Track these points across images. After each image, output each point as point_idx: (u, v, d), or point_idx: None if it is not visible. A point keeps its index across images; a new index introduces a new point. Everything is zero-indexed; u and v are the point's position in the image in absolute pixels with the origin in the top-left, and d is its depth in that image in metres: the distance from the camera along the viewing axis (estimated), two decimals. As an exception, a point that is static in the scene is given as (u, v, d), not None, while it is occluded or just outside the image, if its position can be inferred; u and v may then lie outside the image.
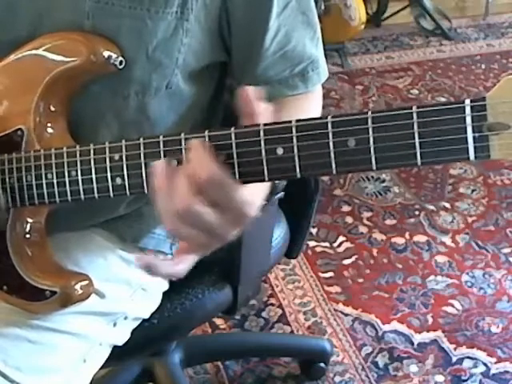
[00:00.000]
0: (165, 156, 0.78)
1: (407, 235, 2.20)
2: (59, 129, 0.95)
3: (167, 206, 0.76)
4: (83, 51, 0.91)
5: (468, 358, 1.80)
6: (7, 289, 0.96)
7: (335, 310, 1.94)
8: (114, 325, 1.10)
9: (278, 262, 1.49)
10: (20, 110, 0.94)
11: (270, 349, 1.83)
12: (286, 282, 2.03)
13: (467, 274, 2.05)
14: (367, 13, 3.21)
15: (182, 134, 0.77)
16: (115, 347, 1.12)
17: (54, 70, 0.93)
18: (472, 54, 3.24)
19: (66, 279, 0.95)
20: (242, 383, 1.75)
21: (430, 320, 1.90)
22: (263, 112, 0.75)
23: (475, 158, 0.67)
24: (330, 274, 2.06)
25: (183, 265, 0.83)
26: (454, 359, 1.80)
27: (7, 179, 0.92)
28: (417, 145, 0.68)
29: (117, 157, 0.82)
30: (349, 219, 2.27)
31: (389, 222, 2.26)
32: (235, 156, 0.75)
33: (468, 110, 0.66)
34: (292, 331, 1.88)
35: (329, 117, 0.71)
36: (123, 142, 0.81)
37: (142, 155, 0.80)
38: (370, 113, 0.70)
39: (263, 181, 0.75)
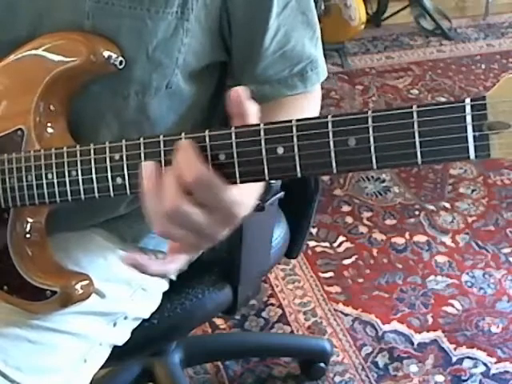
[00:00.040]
0: (165, 156, 0.78)
1: (407, 235, 2.20)
2: (59, 129, 0.95)
3: (156, 208, 0.76)
4: (83, 51, 0.91)
5: (468, 357, 1.80)
6: (7, 289, 0.96)
7: (335, 309, 1.94)
8: (114, 325, 1.10)
9: (278, 262, 1.49)
10: (20, 110, 0.94)
11: (270, 349, 1.83)
12: (286, 281, 2.03)
13: (467, 274, 2.05)
14: (367, 13, 3.21)
15: (183, 134, 0.77)
16: (115, 347, 1.12)
17: (54, 69, 0.93)
18: (472, 54, 3.24)
19: (66, 279, 0.95)
20: (241, 383, 1.75)
21: (430, 320, 1.90)
22: (253, 112, 0.76)
23: (475, 157, 0.67)
24: (330, 274, 2.06)
25: (174, 264, 0.83)
26: (454, 359, 1.80)
27: (7, 179, 0.92)
28: (417, 144, 0.68)
29: (117, 156, 0.82)
30: (349, 219, 2.27)
31: (389, 221, 2.26)
32: (235, 155, 0.75)
33: (468, 108, 0.66)
34: (292, 331, 1.88)
35: (329, 116, 0.71)
36: (123, 141, 0.81)
37: (142, 155, 0.80)
38: (370, 112, 0.70)
39: (263, 180, 0.75)
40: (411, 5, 3.43)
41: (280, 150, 0.73)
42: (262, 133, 0.74)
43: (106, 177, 0.83)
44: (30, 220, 0.96)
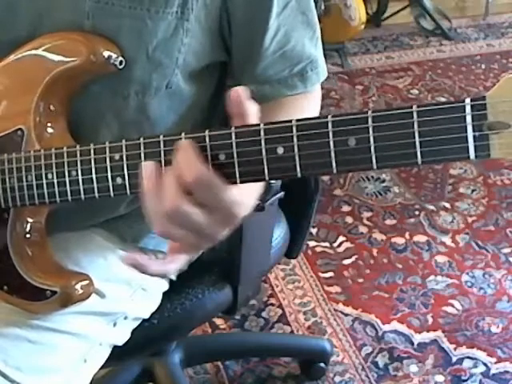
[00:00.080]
0: (165, 156, 0.78)
1: (407, 235, 2.20)
2: (59, 129, 0.95)
3: (156, 208, 0.76)
4: (83, 51, 0.91)
5: (468, 357, 1.80)
6: (7, 289, 0.96)
7: (335, 309, 1.94)
8: (114, 325, 1.10)
9: (278, 262, 1.49)
10: (20, 110, 0.94)
11: (270, 349, 1.83)
12: (286, 281, 2.03)
13: (467, 274, 2.05)
14: (367, 13, 3.21)
15: (183, 134, 0.77)
16: (115, 347, 1.12)
17: (54, 69, 0.93)
18: (472, 54, 3.24)
19: (66, 279, 0.95)
20: (241, 383, 1.75)
21: (430, 320, 1.90)
22: (253, 112, 0.76)
23: (475, 157, 0.67)
24: (330, 274, 2.06)
25: (173, 264, 0.83)
26: (454, 359, 1.80)
27: (7, 179, 0.92)
28: (417, 144, 0.68)
29: (117, 156, 0.82)
30: (349, 219, 2.27)
31: (389, 221, 2.26)
32: (235, 155, 0.75)
33: (468, 108, 0.66)
34: (292, 331, 1.88)
35: (329, 116, 0.71)
36: (123, 141, 0.81)
37: (142, 155, 0.80)
38: (370, 112, 0.70)
39: (264, 180, 0.75)
40: (411, 5, 3.43)
41: (280, 150, 0.73)
42: (262, 133, 0.74)
43: (106, 177, 0.83)
44: (30, 220, 0.96)
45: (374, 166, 0.70)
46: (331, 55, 3.10)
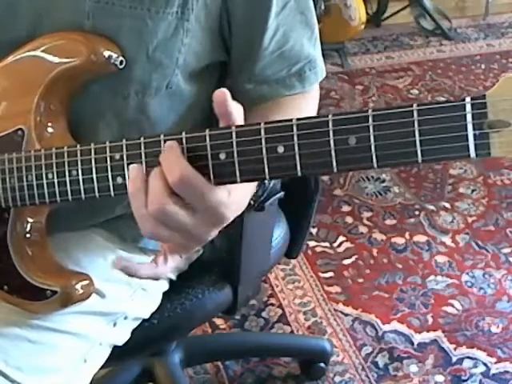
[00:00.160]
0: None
1: (407, 235, 2.20)
2: (60, 128, 0.95)
3: (142, 209, 0.78)
4: (83, 51, 0.91)
5: (468, 357, 1.80)
6: (8, 288, 0.96)
7: (335, 309, 1.94)
8: (114, 325, 1.10)
9: (278, 262, 1.50)
10: (20, 110, 0.94)
11: (270, 349, 1.83)
12: (286, 281, 2.03)
13: (467, 274, 2.05)
14: (367, 13, 3.21)
15: (183, 134, 0.78)
16: (115, 347, 1.12)
17: (55, 70, 0.93)
18: (472, 54, 3.24)
19: (66, 279, 0.95)
20: (241, 383, 1.75)
21: (430, 320, 1.90)
22: (238, 113, 0.76)
23: (476, 155, 0.67)
24: (330, 274, 2.06)
25: (164, 267, 0.83)
26: (454, 359, 1.80)
27: (8, 179, 0.92)
28: (417, 142, 0.68)
29: (117, 156, 0.82)
30: (349, 219, 2.27)
31: (389, 221, 2.26)
32: (236, 155, 0.75)
33: (468, 107, 0.66)
34: (292, 331, 1.88)
35: (329, 115, 0.71)
36: (124, 141, 0.82)
37: (142, 155, 0.80)
38: (370, 111, 0.70)
39: (264, 179, 0.76)
40: (411, 5, 3.43)
41: (280, 149, 0.73)
42: (262, 132, 0.74)
43: (107, 176, 0.83)
44: (30, 220, 0.96)
45: (375, 165, 0.70)
46: (331, 55, 3.10)
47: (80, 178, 0.85)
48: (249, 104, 1.00)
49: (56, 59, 0.93)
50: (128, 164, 0.81)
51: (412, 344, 1.83)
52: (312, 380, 1.75)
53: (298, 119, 0.73)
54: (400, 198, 2.36)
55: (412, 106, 0.68)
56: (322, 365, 1.74)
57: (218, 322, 1.89)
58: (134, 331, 1.15)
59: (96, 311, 1.06)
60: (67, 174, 0.86)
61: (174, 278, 1.20)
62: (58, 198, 0.88)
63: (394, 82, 3.02)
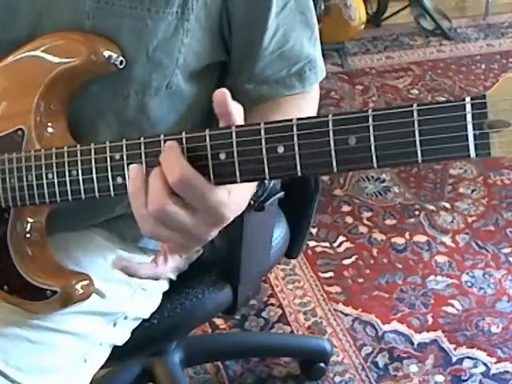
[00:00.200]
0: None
1: (407, 235, 2.20)
2: (60, 128, 0.95)
3: (142, 209, 0.78)
4: (83, 51, 0.91)
5: (468, 357, 1.80)
6: (8, 288, 0.96)
7: (335, 309, 1.94)
8: (114, 325, 1.10)
9: (278, 262, 1.50)
10: (20, 110, 0.94)
11: (270, 349, 1.83)
12: (286, 281, 2.03)
13: (467, 274, 2.05)
14: (367, 13, 3.21)
15: (183, 134, 0.78)
16: (115, 347, 1.12)
17: (55, 70, 0.93)
18: (472, 54, 3.24)
19: (66, 279, 0.95)
20: (241, 383, 1.75)
21: (430, 320, 1.90)
22: (238, 113, 0.76)
23: (476, 155, 0.67)
24: (330, 274, 2.06)
25: (164, 267, 0.84)
26: (454, 359, 1.80)
27: (8, 179, 0.92)
28: (417, 142, 0.68)
29: (117, 156, 0.82)
30: (349, 219, 2.27)
31: (389, 221, 2.26)
32: (236, 155, 0.75)
33: (468, 107, 0.66)
34: (292, 331, 1.88)
35: (329, 115, 0.71)
36: (124, 141, 0.82)
37: (142, 155, 0.80)
38: (370, 111, 0.70)
39: (264, 179, 0.76)
40: (411, 5, 3.43)
41: (280, 149, 0.73)
42: (262, 132, 0.74)
43: (107, 176, 0.83)
44: (30, 220, 0.96)
45: (375, 165, 0.70)
46: (331, 55, 3.10)
47: (80, 178, 0.85)
48: (249, 104, 1.00)
49: (56, 59, 0.93)
50: (128, 164, 0.81)
51: (412, 344, 1.83)
52: (312, 380, 1.75)
53: (298, 119, 0.73)
54: (400, 198, 2.36)
55: (412, 106, 0.68)
56: (322, 365, 1.74)
57: (218, 322, 1.89)
58: (134, 331, 1.15)
59: (96, 311, 1.05)
60: (67, 174, 0.86)
61: (174, 277, 1.20)
62: (58, 198, 0.88)
63: (394, 82, 3.02)
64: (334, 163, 0.72)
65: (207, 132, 0.77)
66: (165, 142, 0.78)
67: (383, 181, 2.43)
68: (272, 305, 1.96)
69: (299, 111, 1.03)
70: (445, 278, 2.04)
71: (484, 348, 1.82)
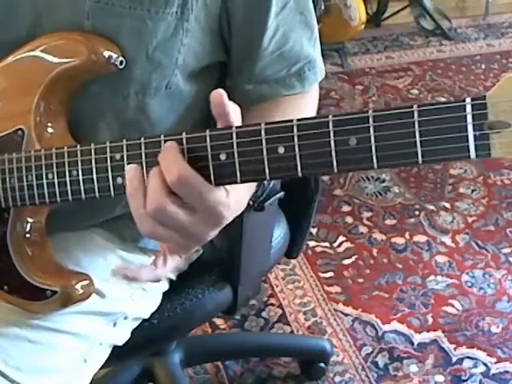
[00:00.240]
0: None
1: (407, 235, 2.20)
2: (60, 128, 0.95)
3: (141, 209, 0.78)
4: (83, 51, 0.91)
5: (468, 357, 1.80)
6: (8, 288, 0.96)
7: (335, 309, 1.94)
8: (114, 325, 1.10)
9: (278, 262, 1.50)
10: (20, 110, 0.94)
11: (270, 349, 1.83)
12: (286, 281, 2.03)
13: (467, 274, 2.05)
14: (367, 13, 3.21)
15: (183, 134, 0.78)
16: (115, 347, 1.12)
17: (55, 70, 0.93)
18: (472, 54, 3.24)
19: (66, 279, 0.95)
20: (241, 383, 1.75)
21: (430, 320, 1.90)
22: (235, 113, 0.76)
23: (476, 156, 0.67)
24: (330, 274, 2.06)
25: (164, 269, 0.84)
26: (454, 359, 1.80)
27: (8, 179, 0.92)
28: (418, 143, 0.68)
29: (118, 156, 0.82)
30: (349, 219, 2.27)
31: (389, 221, 2.26)
32: (236, 155, 0.75)
33: (469, 108, 0.66)
34: (292, 331, 1.88)
35: (330, 116, 0.71)
36: (124, 141, 0.82)
37: (143, 155, 0.80)
38: (371, 111, 0.70)
39: (264, 179, 0.76)
40: (411, 5, 3.43)
41: (281, 150, 0.73)
42: (262, 132, 0.74)
43: (107, 177, 0.83)
44: (30, 220, 0.96)
45: (375, 166, 0.70)
46: (331, 55, 3.10)
47: (80, 178, 0.85)
48: (248, 104, 1.01)
49: (56, 59, 0.93)
50: (128, 164, 0.81)
51: (412, 344, 1.83)
52: (312, 380, 1.75)
53: (299, 120, 0.73)
54: (400, 198, 2.36)
55: (412, 106, 0.68)
56: (322, 365, 1.74)
57: (218, 322, 1.89)
58: (134, 331, 1.15)
59: (96, 311, 1.05)
60: (67, 174, 0.86)
61: (173, 278, 1.20)
62: (58, 198, 0.88)
63: (394, 82, 3.02)
64: (335, 164, 0.72)
65: (208, 132, 0.77)
66: (165, 142, 0.78)
67: (383, 181, 2.43)
68: (272, 305, 1.96)
69: (299, 111, 1.03)
70: (445, 278, 2.04)
71: (484, 348, 1.82)
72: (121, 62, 0.93)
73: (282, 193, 1.20)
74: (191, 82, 1.01)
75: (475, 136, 0.66)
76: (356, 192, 2.38)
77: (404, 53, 3.26)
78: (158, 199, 0.76)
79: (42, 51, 0.94)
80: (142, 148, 0.80)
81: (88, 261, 1.06)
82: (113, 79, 0.95)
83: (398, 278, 2.04)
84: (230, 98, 0.77)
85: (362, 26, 3.04)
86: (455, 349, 1.82)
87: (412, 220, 2.26)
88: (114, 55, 0.92)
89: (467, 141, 0.66)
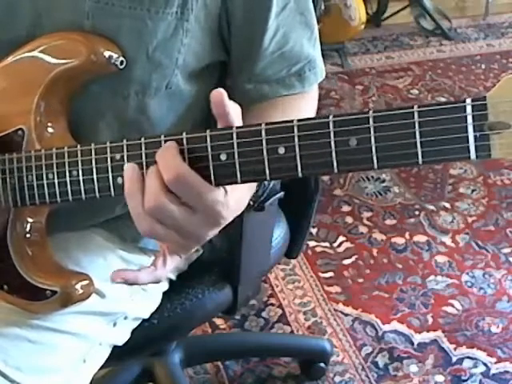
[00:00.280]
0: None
1: (407, 235, 2.20)
2: (60, 128, 0.95)
3: (139, 207, 0.78)
4: (83, 51, 0.91)
5: (468, 357, 1.80)
6: (8, 288, 0.96)
7: (335, 309, 1.94)
8: (114, 325, 1.10)
9: (278, 262, 1.50)
10: (20, 110, 0.94)
11: (270, 349, 1.83)
12: (286, 281, 2.03)
13: (467, 274, 2.05)
14: (367, 13, 3.21)
15: (184, 134, 0.78)
16: (115, 347, 1.12)
17: (55, 70, 0.93)
18: (472, 54, 3.24)
19: (66, 279, 0.95)
20: (241, 383, 1.75)
21: (430, 320, 1.90)
22: (235, 113, 0.76)
23: (476, 157, 0.67)
24: (330, 274, 2.06)
25: (163, 270, 0.84)
26: (454, 359, 1.80)
27: (8, 179, 0.92)
28: (418, 144, 0.68)
29: (118, 156, 0.82)
30: (349, 219, 2.27)
31: (389, 221, 2.26)
32: (236, 155, 0.75)
33: (469, 109, 0.66)
34: (292, 331, 1.88)
35: (330, 116, 0.71)
36: (124, 141, 0.82)
37: (143, 155, 0.80)
38: (371, 112, 0.70)
39: (265, 180, 0.76)
40: (411, 5, 3.43)
41: (281, 150, 0.74)
42: (263, 133, 0.74)
43: (107, 177, 0.83)
44: (30, 220, 0.96)
45: (375, 166, 0.70)
46: (331, 55, 3.10)
47: (80, 178, 0.85)
48: (248, 104, 1.01)
49: (56, 59, 0.92)
50: (128, 164, 0.81)
51: (412, 344, 1.83)
52: (312, 380, 1.75)
53: (299, 120, 0.73)
54: (400, 198, 2.36)
55: (413, 107, 0.69)
56: (322, 365, 1.74)
57: (218, 322, 1.89)
58: (134, 331, 1.15)
59: (96, 311, 1.05)
60: (68, 174, 0.86)
61: (173, 278, 1.20)
62: (59, 199, 0.88)
63: (394, 82, 3.02)
64: (335, 164, 0.72)
65: (208, 133, 0.77)
66: (165, 142, 0.78)
67: (383, 181, 2.43)
68: (272, 305, 1.96)
69: (298, 111, 1.03)
70: (445, 278, 2.04)
71: (484, 348, 1.82)
72: (121, 62, 0.93)
73: (282, 193, 1.20)
74: (191, 81, 1.01)
75: (475, 137, 0.66)
76: (356, 192, 2.38)
77: (404, 53, 3.26)
78: (156, 198, 0.76)
79: (41, 51, 0.94)
80: (143, 148, 0.80)
81: (88, 261, 1.06)
82: (113, 79, 0.95)
83: (398, 278, 2.04)
84: (231, 98, 0.77)
85: (362, 26, 3.04)
86: (455, 349, 1.82)
87: (412, 220, 2.26)
88: (114, 55, 0.92)
89: (467, 141, 0.66)
